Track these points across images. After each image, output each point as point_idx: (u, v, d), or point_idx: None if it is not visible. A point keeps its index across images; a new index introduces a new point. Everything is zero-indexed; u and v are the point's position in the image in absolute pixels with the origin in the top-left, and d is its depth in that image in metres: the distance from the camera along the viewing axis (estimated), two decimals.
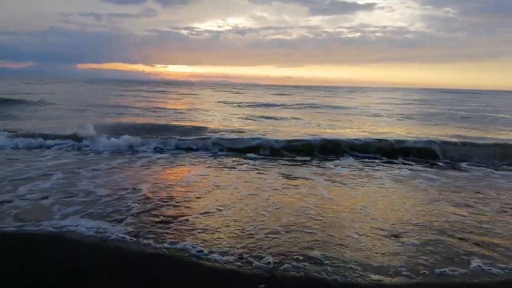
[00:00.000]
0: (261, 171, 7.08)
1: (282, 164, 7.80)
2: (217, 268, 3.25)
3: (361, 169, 7.48)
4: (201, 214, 4.60)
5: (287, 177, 6.69)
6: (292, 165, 7.77)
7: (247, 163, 7.80)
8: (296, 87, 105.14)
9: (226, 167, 7.36)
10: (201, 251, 3.56)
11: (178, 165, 7.57)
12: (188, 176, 6.59)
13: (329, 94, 51.74)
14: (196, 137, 9.92)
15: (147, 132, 11.06)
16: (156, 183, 6.01)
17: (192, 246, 3.65)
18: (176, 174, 6.85)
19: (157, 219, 4.38)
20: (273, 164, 7.82)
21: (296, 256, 3.49)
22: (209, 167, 7.40)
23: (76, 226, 4.09)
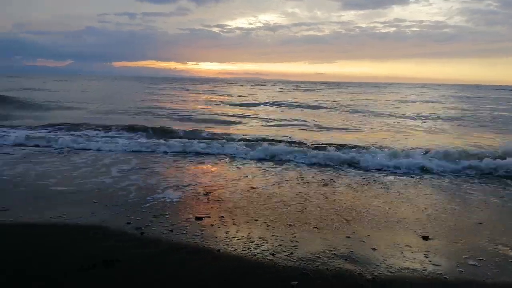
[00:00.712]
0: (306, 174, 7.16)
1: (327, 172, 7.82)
2: (250, 262, 3.33)
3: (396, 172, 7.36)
4: (236, 209, 4.72)
5: (323, 176, 6.74)
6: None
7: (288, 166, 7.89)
8: (326, 82, 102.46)
9: (267, 170, 7.32)
10: (234, 245, 3.67)
11: (233, 166, 7.66)
12: (236, 175, 6.63)
13: (375, 91, 50.01)
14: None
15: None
16: (203, 179, 6.25)
17: (226, 240, 3.76)
18: (226, 173, 6.85)
19: (193, 214, 4.53)
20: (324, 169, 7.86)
21: (328, 254, 3.52)
22: (248, 167, 7.58)
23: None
